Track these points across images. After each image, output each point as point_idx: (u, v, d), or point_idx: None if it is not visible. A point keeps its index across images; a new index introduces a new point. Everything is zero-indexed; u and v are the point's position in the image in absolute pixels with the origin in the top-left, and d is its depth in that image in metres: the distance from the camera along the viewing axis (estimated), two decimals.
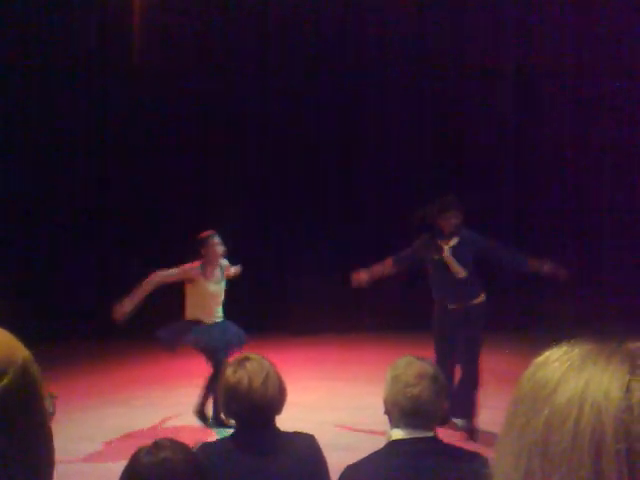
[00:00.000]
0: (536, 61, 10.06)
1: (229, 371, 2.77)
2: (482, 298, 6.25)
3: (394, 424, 2.59)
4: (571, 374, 0.75)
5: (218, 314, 6.44)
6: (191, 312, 6.34)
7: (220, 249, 6.35)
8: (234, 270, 6.62)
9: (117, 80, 10.50)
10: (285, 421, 2.82)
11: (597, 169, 10.11)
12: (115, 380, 8.13)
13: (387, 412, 2.62)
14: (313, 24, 10.72)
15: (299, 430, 2.91)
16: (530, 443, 0.75)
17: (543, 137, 10.16)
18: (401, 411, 2.54)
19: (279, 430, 2.80)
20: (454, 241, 6.20)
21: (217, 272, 6.40)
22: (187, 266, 6.27)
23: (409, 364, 2.60)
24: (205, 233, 6.41)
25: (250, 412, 2.70)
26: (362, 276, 6.39)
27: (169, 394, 7.53)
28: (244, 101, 10.70)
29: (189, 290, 6.33)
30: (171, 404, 7.12)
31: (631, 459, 0.69)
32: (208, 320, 6.33)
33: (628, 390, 0.72)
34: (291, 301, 10.45)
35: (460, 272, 6.15)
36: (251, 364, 2.74)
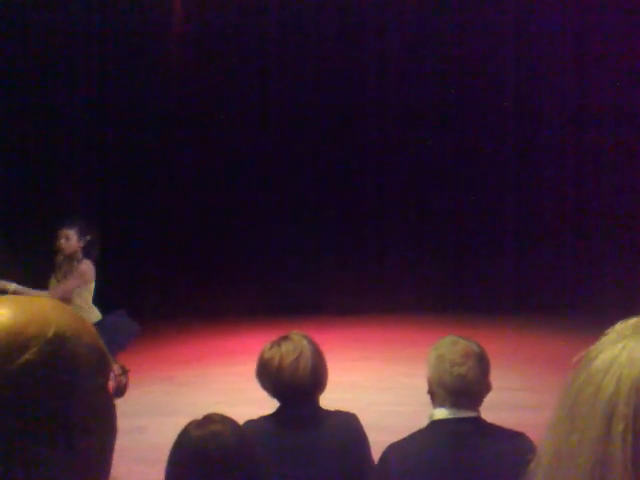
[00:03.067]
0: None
1: (265, 348, 2.83)
2: None
3: (438, 403, 2.59)
4: (613, 343, 0.78)
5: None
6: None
7: (63, 243, 5.96)
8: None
9: None
10: (329, 401, 2.85)
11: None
12: (152, 358, 8.21)
13: (430, 391, 2.62)
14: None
15: (342, 409, 2.95)
16: (565, 407, 0.78)
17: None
18: (446, 390, 2.54)
19: (321, 408, 2.83)
20: None
21: (64, 268, 6.08)
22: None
23: (454, 343, 2.60)
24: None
25: (282, 390, 2.76)
26: None
27: (207, 373, 7.62)
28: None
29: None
30: (209, 383, 7.21)
31: (637, 425, 0.72)
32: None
33: None
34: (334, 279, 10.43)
35: None
36: (286, 343, 2.79)
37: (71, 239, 5.94)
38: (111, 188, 10.34)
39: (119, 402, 0.94)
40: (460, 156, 10.20)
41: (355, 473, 2.79)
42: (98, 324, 5.83)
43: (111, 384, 0.93)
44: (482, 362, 2.58)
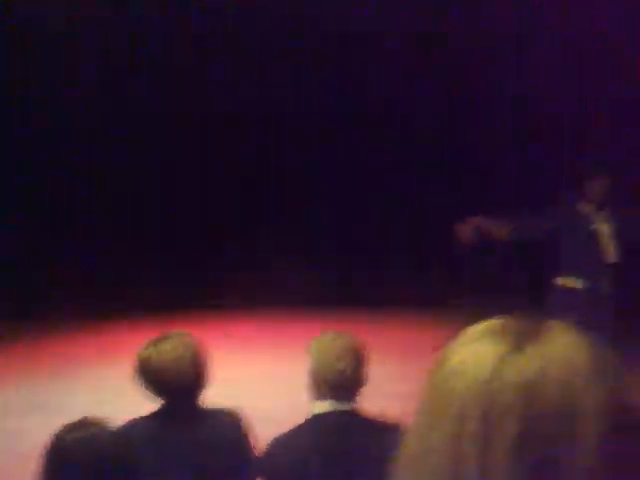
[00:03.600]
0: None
1: (142, 348, 2.79)
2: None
3: (317, 397, 2.65)
4: (463, 347, 0.81)
5: None
6: None
7: None
8: None
9: None
10: (211, 397, 2.86)
11: None
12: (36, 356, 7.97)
13: (311, 385, 2.68)
14: None
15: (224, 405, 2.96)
16: (423, 406, 0.81)
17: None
18: (326, 384, 2.59)
19: (201, 406, 2.83)
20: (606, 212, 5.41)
21: None
22: None
23: (333, 339, 2.66)
24: None
25: (162, 388, 2.73)
26: (468, 230, 5.26)
27: (87, 371, 7.45)
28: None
29: None
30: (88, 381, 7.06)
31: (486, 425, 0.74)
32: None
33: (499, 362, 0.77)
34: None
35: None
36: (164, 343, 2.76)
37: None
38: None
39: None
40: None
41: (239, 469, 2.81)
42: None
43: None
44: (359, 356, 2.65)
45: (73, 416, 2.00)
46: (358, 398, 2.66)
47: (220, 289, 10.32)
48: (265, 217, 10.87)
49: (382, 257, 10.45)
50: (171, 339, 2.78)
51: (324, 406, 2.61)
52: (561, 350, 0.77)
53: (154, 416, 2.79)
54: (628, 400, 0.77)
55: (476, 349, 0.79)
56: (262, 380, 7.06)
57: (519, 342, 0.78)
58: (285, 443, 2.64)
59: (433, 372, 0.82)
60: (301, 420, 2.68)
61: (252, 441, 2.89)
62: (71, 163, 10.29)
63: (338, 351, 2.60)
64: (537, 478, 0.72)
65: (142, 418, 2.80)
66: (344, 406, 2.60)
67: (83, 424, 1.90)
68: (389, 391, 5.84)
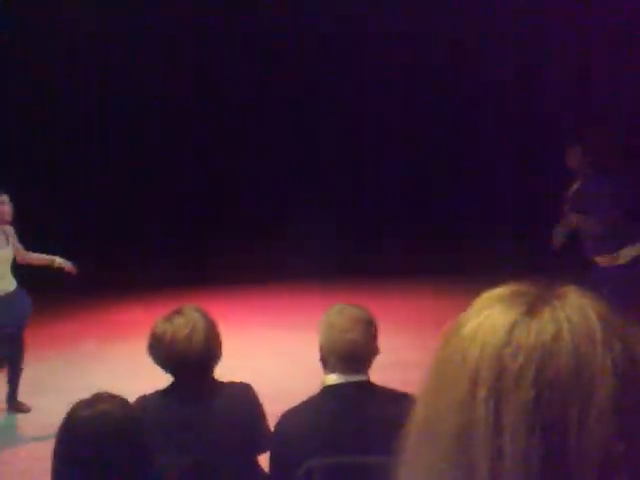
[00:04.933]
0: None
1: (157, 323, 2.80)
2: None
3: (329, 369, 2.65)
4: (477, 313, 0.80)
5: (7, 282, 5.70)
6: None
7: (7, 209, 5.65)
8: (64, 264, 5.85)
9: None
10: (223, 369, 2.88)
11: None
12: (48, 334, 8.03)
13: (322, 358, 2.68)
14: None
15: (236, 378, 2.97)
16: (435, 373, 0.80)
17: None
18: (337, 356, 2.60)
19: (215, 380, 2.85)
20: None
21: (1, 237, 5.68)
22: None
23: (342, 310, 2.67)
24: None
25: (176, 364, 2.75)
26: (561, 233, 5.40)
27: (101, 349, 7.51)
28: None
29: None
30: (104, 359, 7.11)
31: (498, 391, 0.74)
32: None
33: (512, 328, 0.76)
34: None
35: None
36: (178, 318, 2.77)
37: (8, 203, 5.70)
38: None
39: None
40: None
41: (251, 443, 2.83)
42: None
43: None
44: (370, 327, 2.65)
45: (87, 394, 2.02)
46: (370, 369, 2.67)
47: (230, 265, 10.36)
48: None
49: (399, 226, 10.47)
50: (185, 314, 2.80)
51: (335, 378, 2.62)
52: (575, 314, 0.76)
53: (168, 391, 2.81)
54: None
55: (489, 314, 0.79)
56: (274, 355, 7.09)
57: (533, 307, 0.78)
58: (297, 415, 2.65)
59: (446, 338, 0.81)
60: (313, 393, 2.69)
61: (264, 414, 2.92)
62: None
63: (348, 322, 2.60)
64: (550, 443, 0.71)
65: (156, 393, 2.82)
66: (356, 377, 2.60)
67: (97, 400, 1.92)
68: (403, 361, 5.86)
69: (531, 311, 0.77)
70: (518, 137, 10.23)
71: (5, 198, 5.67)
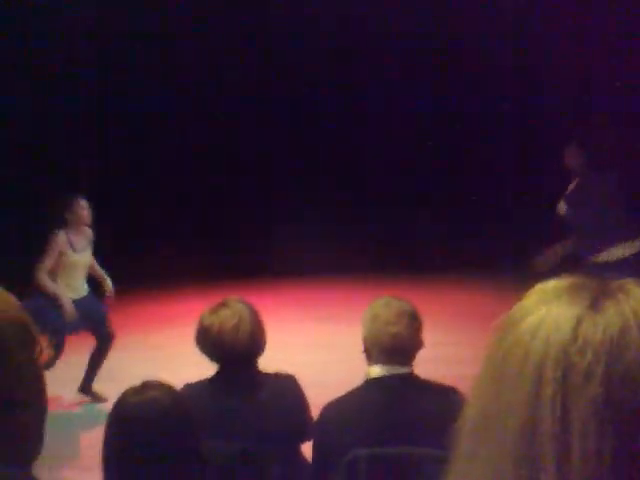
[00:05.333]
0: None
1: (204, 315, 2.85)
2: None
3: (373, 361, 2.66)
4: (537, 306, 0.78)
5: (83, 287, 5.80)
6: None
7: (87, 213, 5.70)
8: (109, 290, 5.96)
9: None
10: (268, 360, 2.90)
11: None
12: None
13: (366, 350, 2.69)
14: None
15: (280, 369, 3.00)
16: (493, 368, 0.79)
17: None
18: (381, 348, 2.60)
19: (260, 371, 2.88)
20: None
21: (82, 240, 5.75)
22: (53, 241, 5.58)
23: (387, 303, 2.67)
24: (69, 195, 5.73)
25: (222, 355, 2.80)
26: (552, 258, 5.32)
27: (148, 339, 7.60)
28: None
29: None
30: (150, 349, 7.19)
31: (566, 388, 0.72)
32: (73, 295, 5.65)
33: (578, 323, 0.74)
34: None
35: None
36: (225, 310, 2.82)
37: (87, 208, 5.77)
38: None
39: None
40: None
41: (296, 432, 2.85)
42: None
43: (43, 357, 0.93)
44: (415, 321, 2.65)
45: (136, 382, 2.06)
46: (414, 362, 2.67)
47: (267, 258, 10.41)
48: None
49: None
50: (230, 306, 2.84)
51: (379, 370, 2.62)
52: (639, 308, 0.75)
53: (213, 380, 2.85)
54: None
55: (551, 309, 0.77)
56: (311, 346, 7.11)
57: (596, 301, 0.76)
58: (341, 405, 2.67)
59: (501, 333, 0.79)
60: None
61: (308, 404, 2.93)
62: None
63: (392, 315, 2.61)
64: (622, 439, 0.70)
65: (202, 382, 2.87)
66: (400, 370, 2.61)
67: (145, 387, 1.95)
68: (444, 355, 5.84)
69: (595, 305, 0.76)
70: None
71: (84, 203, 5.73)
